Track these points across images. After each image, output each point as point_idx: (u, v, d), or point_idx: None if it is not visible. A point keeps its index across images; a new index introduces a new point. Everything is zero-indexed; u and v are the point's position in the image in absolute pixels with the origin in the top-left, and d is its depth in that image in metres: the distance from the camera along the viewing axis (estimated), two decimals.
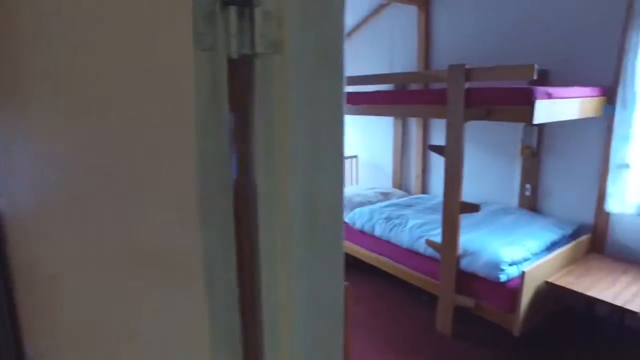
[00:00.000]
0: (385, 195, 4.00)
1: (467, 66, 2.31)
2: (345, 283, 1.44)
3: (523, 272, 2.26)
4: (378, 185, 4.48)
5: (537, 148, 3.04)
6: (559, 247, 2.62)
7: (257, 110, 0.44)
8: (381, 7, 4.11)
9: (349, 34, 4.57)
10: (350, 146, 4.93)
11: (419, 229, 3.00)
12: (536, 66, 2.04)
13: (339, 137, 0.49)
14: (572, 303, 2.75)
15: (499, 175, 3.37)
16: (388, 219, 3.25)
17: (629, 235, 2.67)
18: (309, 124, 0.45)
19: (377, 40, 4.27)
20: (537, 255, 2.57)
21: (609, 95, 2.60)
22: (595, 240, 2.80)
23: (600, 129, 2.68)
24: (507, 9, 3.11)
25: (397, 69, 4.07)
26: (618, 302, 2.13)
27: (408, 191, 4.26)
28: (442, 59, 3.65)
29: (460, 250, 2.56)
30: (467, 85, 2.33)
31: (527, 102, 2.11)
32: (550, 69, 2.90)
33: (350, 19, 4.31)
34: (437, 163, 3.77)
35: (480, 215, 3.11)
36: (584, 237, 2.75)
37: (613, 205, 2.60)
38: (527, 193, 3.15)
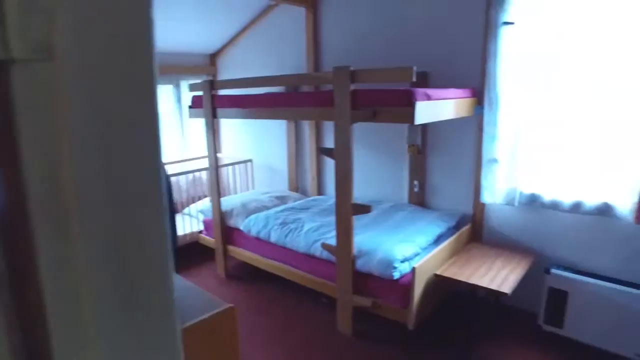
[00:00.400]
0: (281, 199, 3.93)
1: (352, 68, 2.32)
2: (230, 305, 1.32)
3: (414, 268, 2.35)
4: (274, 189, 4.40)
5: (423, 146, 3.22)
6: (445, 239, 2.79)
7: (25, 136, 0.31)
8: (269, 7, 4.02)
9: (237, 36, 4.42)
10: (244, 150, 4.78)
11: (314, 232, 2.98)
12: (414, 68, 2.12)
13: (154, 166, 0.37)
14: (459, 289, 2.95)
15: (389, 173, 3.50)
16: (283, 224, 3.18)
17: (500, 222, 2.94)
18: (103, 154, 0.33)
19: (267, 42, 4.18)
20: (425, 249, 2.71)
21: (479, 96, 2.83)
22: (475, 229, 3.04)
23: (474, 127, 2.91)
24: (391, 13, 3.23)
25: (288, 71, 4.03)
26: (493, 286, 2.32)
27: (305, 193, 4.24)
28: (331, 60, 3.68)
29: (355, 252, 2.58)
30: (352, 87, 2.35)
31: (408, 103, 2.18)
32: (430, 71, 3.08)
33: (237, 21, 4.15)
34: (331, 164, 3.81)
35: (373, 214, 3.19)
36: (465, 228, 2.96)
37: (486, 196, 2.84)
38: (416, 189, 3.32)
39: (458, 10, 2.89)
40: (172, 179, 4.12)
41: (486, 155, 2.80)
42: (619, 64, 2.34)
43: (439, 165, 3.17)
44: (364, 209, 2.49)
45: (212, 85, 3.26)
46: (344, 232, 2.54)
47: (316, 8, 3.70)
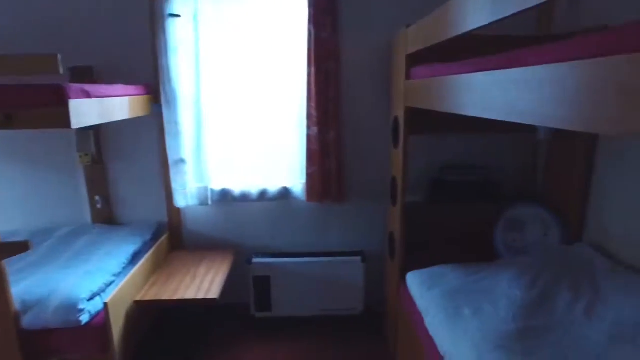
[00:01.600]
0: None
1: None
2: None
3: (106, 304, 1.92)
4: None
5: (99, 154, 2.71)
6: (143, 255, 2.45)
7: None
8: None
9: None
10: None
11: None
12: (59, 57, 1.65)
13: None
14: (169, 306, 2.69)
15: (61, 191, 2.81)
16: None
17: (197, 224, 2.84)
18: None
19: None
20: (120, 275, 2.28)
21: (155, 93, 2.58)
22: (173, 237, 2.82)
23: (155, 127, 2.65)
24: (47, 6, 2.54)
25: None
26: (200, 296, 2.18)
27: None
28: None
29: (17, 306, 1.90)
30: None
31: (59, 102, 1.69)
32: (95, 65, 2.59)
33: None
34: None
35: (44, 248, 2.50)
36: (164, 238, 2.70)
37: (179, 200, 2.65)
38: (99, 205, 2.79)
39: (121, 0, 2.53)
40: None
41: (172, 156, 2.60)
42: (279, 59, 2.58)
43: (123, 174, 2.76)
44: (18, 247, 1.84)
45: None
46: None
47: None
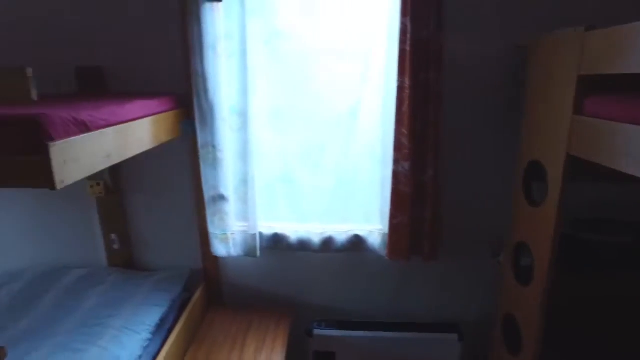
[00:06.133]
0: None
1: None
2: None
3: None
4: None
5: (115, 182, 2.09)
6: (172, 324, 1.86)
7: None
8: None
9: None
10: None
11: None
12: (30, 71, 0.99)
13: None
14: None
15: (72, 226, 2.22)
16: None
17: (242, 276, 2.19)
18: None
19: None
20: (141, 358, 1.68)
21: (185, 107, 1.91)
22: (211, 290, 2.19)
23: (185, 150, 1.99)
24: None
25: None
26: None
27: None
28: None
29: None
30: None
31: (35, 147, 1.05)
32: (108, 65, 1.95)
33: None
34: None
35: (49, 301, 1.94)
36: (199, 293, 2.08)
37: (218, 248, 2.01)
38: (116, 246, 2.19)
39: None
40: None
41: (209, 190, 1.94)
42: (356, 64, 1.85)
43: (145, 208, 2.13)
44: None
45: None
46: None
47: None
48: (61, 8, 1.90)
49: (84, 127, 1.20)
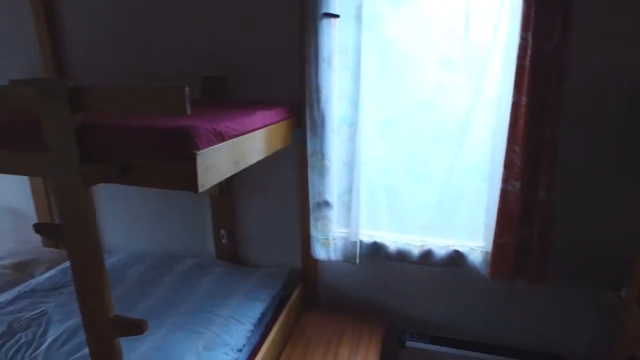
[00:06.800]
0: (23, 269, 2.52)
1: (71, 83, 1.20)
2: None
3: None
4: (19, 243, 2.91)
5: (227, 184, 2.29)
6: (271, 318, 1.99)
7: None
8: None
9: None
10: None
11: (63, 347, 1.78)
12: (187, 90, 1.13)
13: None
14: None
15: (186, 220, 2.47)
16: (6, 336, 1.87)
17: (339, 280, 2.26)
18: None
19: None
20: (244, 349, 1.82)
21: (297, 115, 2.03)
22: (307, 290, 2.30)
23: (293, 157, 2.12)
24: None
25: (14, 61, 2.57)
26: None
27: None
28: (81, 50, 2.40)
29: None
30: (81, 119, 1.24)
31: (182, 154, 1.20)
32: (229, 74, 2.14)
33: None
34: (110, 194, 2.59)
35: (166, 286, 2.18)
36: (296, 293, 2.19)
37: (318, 251, 2.10)
38: (224, 240, 2.39)
39: None
40: None
41: (314, 196, 2.04)
42: (468, 79, 1.82)
43: (252, 209, 2.30)
44: (131, 327, 1.44)
45: None
46: None
47: None
48: (192, 22, 2.13)
49: (221, 137, 1.34)
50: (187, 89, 1.11)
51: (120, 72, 2.31)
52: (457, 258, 1.98)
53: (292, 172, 2.15)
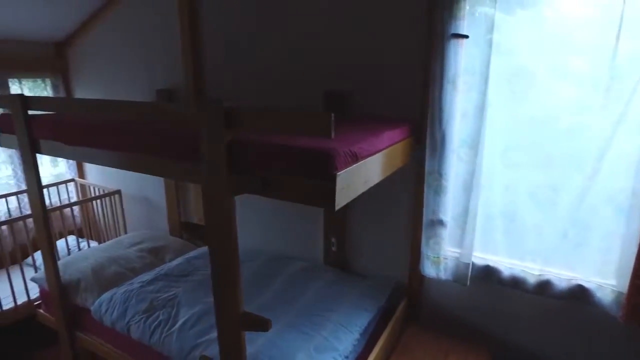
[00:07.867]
0: (157, 254, 2.88)
1: (226, 104, 1.37)
2: None
3: None
4: (152, 229, 3.33)
5: None
6: (376, 330, 2.04)
7: None
8: None
9: (93, 18, 3.18)
10: (108, 177, 3.61)
11: (192, 329, 2.02)
12: (332, 117, 1.23)
13: None
14: None
15: (298, 226, 2.64)
16: (149, 311, 2.17)
17: (444, 299, 2.24)
18: None
19: (131, 28, 3.02)
20: (349, 357, 1.90)
21: (417, 134, 2.05)
22: (411, 306, 2.31)
23: (409, 174, 2.14)
24: (297, 12, 2.32)
25: (159, 72, 2.95)
26: None
27: None
28: (218, 62, 2.68)
29: None
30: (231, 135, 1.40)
31: (322, 173, 1.30)
32: (350, 90, 2.24)
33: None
34: None
35: (278, 285, 2.35)
36: (401, 307, 2.22)
37: (428, 268, 2.10)
38: (334, 248, 2.50)
39: (391, 17, 2.06)
40: None
41: (429, 214, 2.05)
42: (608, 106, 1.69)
43: (363, 220, 2.38)
44: (257, 323, 1.59)
45: (25, 102, 2.07)
46: (229, 352, 1.63)
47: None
48: (319, 38, 2.26)
49: (355, 158, 1.42)
50: (333, 114, 1.20)
51: (248, 84, 2.54)
52: (579, 293, 1.85)
53: (406, 187, 2.18)
